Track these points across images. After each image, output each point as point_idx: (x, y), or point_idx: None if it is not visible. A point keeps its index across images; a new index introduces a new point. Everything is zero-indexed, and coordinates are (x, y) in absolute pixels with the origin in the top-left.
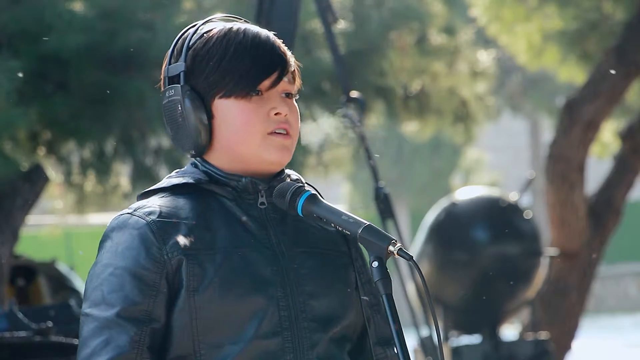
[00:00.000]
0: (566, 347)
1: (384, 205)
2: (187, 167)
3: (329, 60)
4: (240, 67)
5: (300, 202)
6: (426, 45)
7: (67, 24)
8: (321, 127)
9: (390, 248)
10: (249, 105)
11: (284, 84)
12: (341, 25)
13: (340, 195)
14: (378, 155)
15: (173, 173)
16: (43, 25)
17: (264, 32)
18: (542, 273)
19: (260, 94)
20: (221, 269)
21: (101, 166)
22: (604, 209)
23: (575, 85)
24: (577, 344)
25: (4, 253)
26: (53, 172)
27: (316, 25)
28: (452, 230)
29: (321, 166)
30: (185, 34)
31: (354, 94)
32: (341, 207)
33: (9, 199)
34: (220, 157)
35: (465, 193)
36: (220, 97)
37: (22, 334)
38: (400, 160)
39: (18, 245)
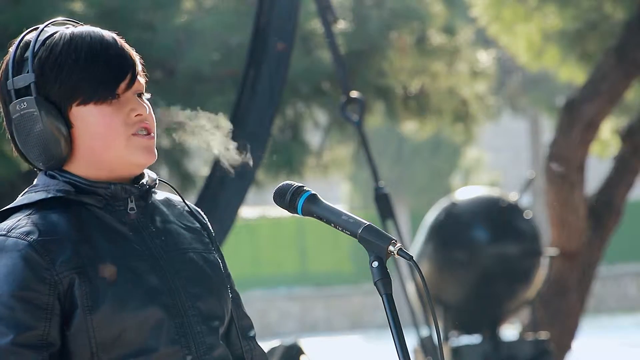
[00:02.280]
0: (566, 347)
1: (384, 205)
2: (41, 180)
3: (329, 60)
4: (96, 72)
5: (301, 202)
6: (426, 45)
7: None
8: (321, 127)
9: (390, 248)
10: (109, 109)
11: (136, 85)
12: (341, 25)
13: (340, 195)
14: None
15: (28, 188)
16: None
17: (108, 34)
18: (542, 273)
19: (118, 97)
20: (111, 283)
21: None
22: (604, 209)
23: (575, 85)
24: (577, 344)
25: None
26: None
27: (316, 25)
28: (452, 230)
29: (321, 166)
30: (23, 43)
31: (354, 94)
32: (341, 207)
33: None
34: (83, 166)
35: (465, 193)
36: (79, 105)
37: None
38: (400, 160)
39: None
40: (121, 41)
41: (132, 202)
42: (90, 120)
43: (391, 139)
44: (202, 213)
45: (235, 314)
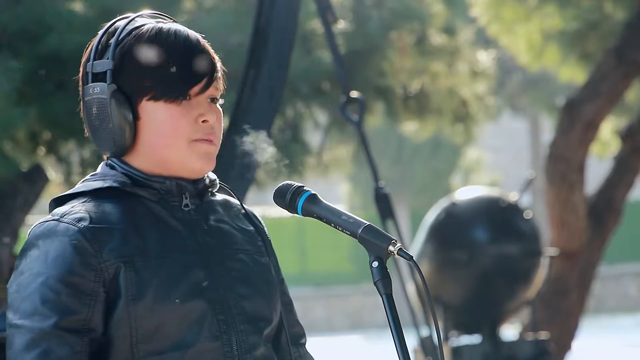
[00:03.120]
0: (566, 347)
1: (384, 205)
2: (102, 169)
3: (329, 60)
4: (171, 71)
5: (301, 202)
6: (426, 45)
7: (67, 24)
8: (321, 127)
9: (390, 248)
10: (178, 110)
11: (211, 89)
12: (341, 25)
13: (340, 195)
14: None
15: (88, 176)
16: (43, 25)
17: (194, 35)
18: (542, 273)
19: (189, 98)
20: (157, 275)
21: None
22: (604, 209)
23: (575, 85)
24: (577, 344)
25: (4, 253)
26: (53, 172)
27: (316, 25)
28: (452, 230)
29: (321, 166)
30: (112, 29)
31: (354, 94)
32: (341, 207)
33: (9, 199)
34: (142, 159)
35: (465, 193)
36: (149, 100)
37: None
38: (400, 160)
39: (18, 245)
40: (205, 44)
41: (186, 198)
42: (157, 117)
43: (391, 139)
44: (259, 218)
45: (286, 320)
